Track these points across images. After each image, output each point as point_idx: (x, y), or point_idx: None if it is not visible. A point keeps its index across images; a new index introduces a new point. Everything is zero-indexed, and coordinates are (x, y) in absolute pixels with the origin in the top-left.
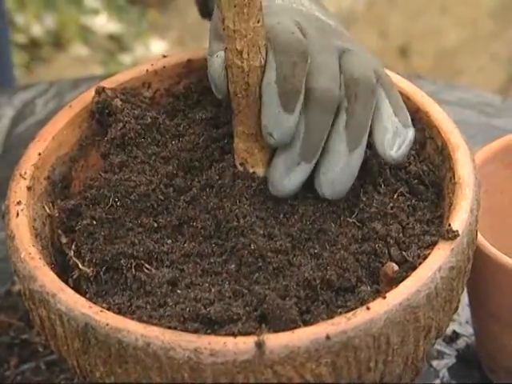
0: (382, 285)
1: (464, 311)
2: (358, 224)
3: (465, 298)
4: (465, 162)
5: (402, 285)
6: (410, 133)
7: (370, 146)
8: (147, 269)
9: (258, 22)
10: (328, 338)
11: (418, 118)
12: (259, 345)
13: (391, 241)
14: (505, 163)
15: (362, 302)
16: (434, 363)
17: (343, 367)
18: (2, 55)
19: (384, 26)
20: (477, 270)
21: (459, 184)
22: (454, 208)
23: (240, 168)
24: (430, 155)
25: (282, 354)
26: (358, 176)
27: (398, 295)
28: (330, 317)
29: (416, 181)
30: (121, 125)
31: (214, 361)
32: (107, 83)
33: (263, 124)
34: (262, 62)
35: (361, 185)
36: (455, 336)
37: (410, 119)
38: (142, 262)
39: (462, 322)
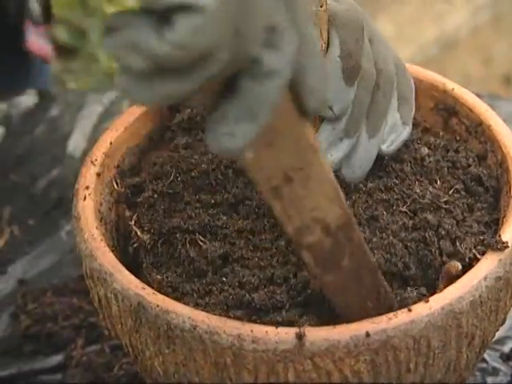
0: (442, 281)
1: None
2: (410, 214)
3: None
4: None
5: (446, 290)
6: (406, 131)
7: (430, 145)
8: (201, 241)
9: (321, 6)
10: (368, 335)
11: (481, 131)
12: (300, 336)
13: (442, 232)
14: None
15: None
16: (489, 380)
17: (382, 366)
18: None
19: (488, 53)
20: None
21: None
22: (506, 220)
23: None
24: (490, 167)
25: (322, 346)
26: (414, 171)
27: (440, 300)
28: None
29: (474, 182)
30: (188, 110)
31: (256, 348)
32: None
33: None
34: (324, 46)
35: (416, 179)
36: None
37: (411, 115)
38: (197, 234)
39: None
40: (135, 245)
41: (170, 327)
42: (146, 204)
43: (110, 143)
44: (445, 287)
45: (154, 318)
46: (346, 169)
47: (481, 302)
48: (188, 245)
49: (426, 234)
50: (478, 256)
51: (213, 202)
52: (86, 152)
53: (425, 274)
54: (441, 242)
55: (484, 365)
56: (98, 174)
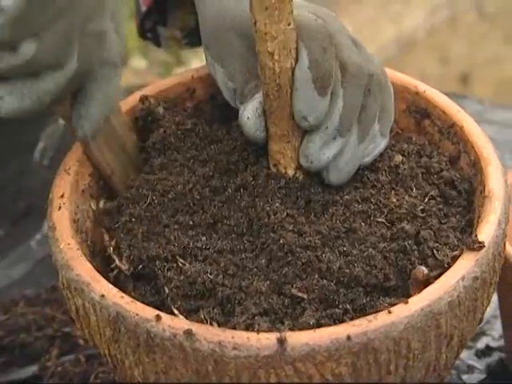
0: (412, 288)
1: (498, 325)
2: (388, 224)
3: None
4: (496, 177)
5: (424, 291)
6: (383, 143)
7: (403, 152)
8: (181, 263)
9: (289, 24)
10: (349, 338)
11: (453, 132)
12: (281, 341)
13: (420, 240)
14: None
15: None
16: (464, 377)
17: (363, 368)
18: None
19: (445, 52)
20: (507, 283)
21: (489, 197)
22: (481, 220)
23: (273, 169)
24: (463, 168)
25: (303, 351)
26: (389, 180)
27: (419, 301)
28: (355, 312)
29: (448, 186)
30: (162, 130)
31: (237, 354)
32: (153, 88)
33: (297, 109)
34: (293, 63)
35: (392, 188)
36: (487, 350)
37: (390, 127)
38: (177, 256)
39: (495, 337)
40: (115, 272)
41: (150, 336)
42: (124, 229)
43: None
44: (414, 293)
45: (134, 327)
46: (333, 172)
47: (459, 303)
48: (167, 272)
49: (405, 244)
50: (455, 253)
51: (191, 223)
52: (53, 160)
53: (405, 283)
54: (419, 251)
55: (459, 362)
56: (73, 183)
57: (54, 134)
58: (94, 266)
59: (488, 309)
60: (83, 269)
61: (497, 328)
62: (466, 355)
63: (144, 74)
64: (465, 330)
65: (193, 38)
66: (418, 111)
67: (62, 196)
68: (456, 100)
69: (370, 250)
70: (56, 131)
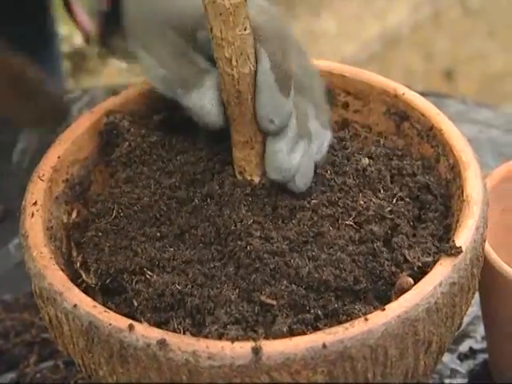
0: (395, 297)
1: (482, 326)
2: (356, 227)
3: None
4: (474, 181)
5: (401, 298)
6: (328, 135)
7: (371, 155)
8: (149, 275)
9: (245, 29)
10: (324, 346)
11: (432, 135)
12: (256, 350)
13: (390, 242)
14: None
15: (363, 310)
16: (447, 381)
17: (340, 377)
18: (54, 65)
19: (429, 48)
20: (488, 287)
21: (467, 202)
22: (459, 225)
23: (239, 177)
24: (440, 172)
25: (279, 360)
26: (357, 183)
27: (396, 308)
28: (327, 317)
29: (423, 191)
30: (127, 144)
31: (212, 364)
32: (125, 95)
33: (263, 113)
34: (252, 69)
35: (360, 190)
36: (471, 353)
37: (328, 119)
38: (145, 269)
39: (478, 339)
40: (83, 286)
41: (123, 346)
42: (91, 243)
43: (58, 157)
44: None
45: (107, 336)
46: (298, 177)
47: (436, 309)
48: (135, 285)
49: (374, 246)
50: (428, 260)
51: (158, 234)
52: (33, 162)
53: (375, 286)
54: (389, 253)
55: (441, 366)
56: (46, 190)
57: (34, 135)
58: (67, 274)
59: (471, 309)
60: (56, 278)
61: (480, 330)
62: (448, 359)
63: (125, 73)
64: (443, 336)
65: None
66: (398, 114)
67: (35, 203)
68: (439, 99)
69: (339, 253)
70: (35, 132)
